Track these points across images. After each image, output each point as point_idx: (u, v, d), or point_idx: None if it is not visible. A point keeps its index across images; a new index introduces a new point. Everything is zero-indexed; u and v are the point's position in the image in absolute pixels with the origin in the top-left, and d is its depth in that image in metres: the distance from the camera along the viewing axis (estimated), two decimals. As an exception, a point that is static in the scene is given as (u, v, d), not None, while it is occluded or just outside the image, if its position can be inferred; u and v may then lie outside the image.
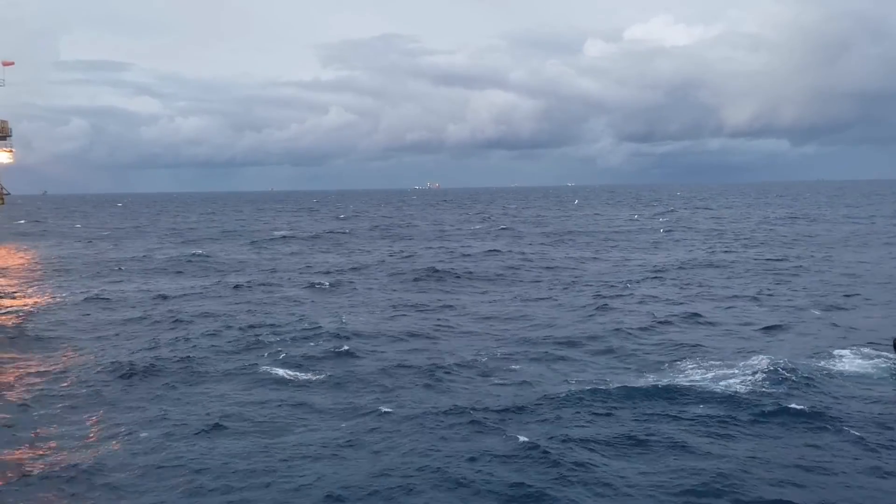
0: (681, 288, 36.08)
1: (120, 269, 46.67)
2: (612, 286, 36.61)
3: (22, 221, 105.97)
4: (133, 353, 23.05)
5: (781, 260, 46.19)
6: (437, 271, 42.34)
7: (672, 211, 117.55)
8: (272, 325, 26.99)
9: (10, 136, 66.62)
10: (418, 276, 40.71)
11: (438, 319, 28.68)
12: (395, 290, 36.51)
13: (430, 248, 59.63)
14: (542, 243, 62.75)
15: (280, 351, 22.98)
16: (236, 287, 37.29)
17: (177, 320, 28.33)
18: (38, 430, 16.32)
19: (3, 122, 65.87)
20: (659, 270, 42.35)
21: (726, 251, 52.10)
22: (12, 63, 66.69)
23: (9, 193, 69.57)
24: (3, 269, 47.83)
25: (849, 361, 21.05)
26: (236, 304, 32.43)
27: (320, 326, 26.46)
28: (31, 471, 14.13)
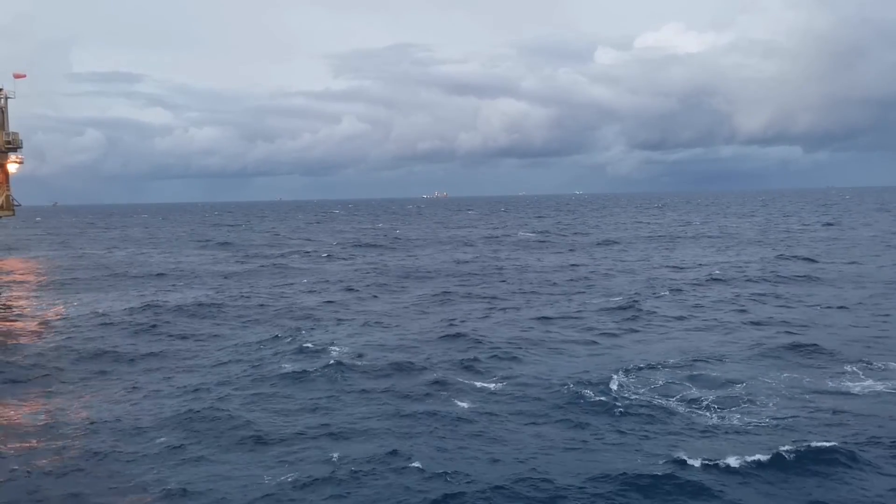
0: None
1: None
2: None
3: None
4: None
5: None
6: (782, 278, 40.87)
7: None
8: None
9: (20, 147, 67.27)
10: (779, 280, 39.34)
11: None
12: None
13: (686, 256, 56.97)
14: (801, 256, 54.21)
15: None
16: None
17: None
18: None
19: (14, 133, 66.45)
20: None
21: None
22: (24, 76, 67.30)
23: (19, 205, 70.06)
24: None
25: None
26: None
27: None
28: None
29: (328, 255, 63.49)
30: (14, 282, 46.79)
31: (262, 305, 34.71)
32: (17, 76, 66.52)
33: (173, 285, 43.45)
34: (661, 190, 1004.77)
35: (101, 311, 33.37)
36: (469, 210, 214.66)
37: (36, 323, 30.91)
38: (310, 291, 40.13)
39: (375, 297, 37.87)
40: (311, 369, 21.63)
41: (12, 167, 67.08)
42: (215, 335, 27.83)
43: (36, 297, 39.41)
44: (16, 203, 68.75)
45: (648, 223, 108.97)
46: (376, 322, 30.09)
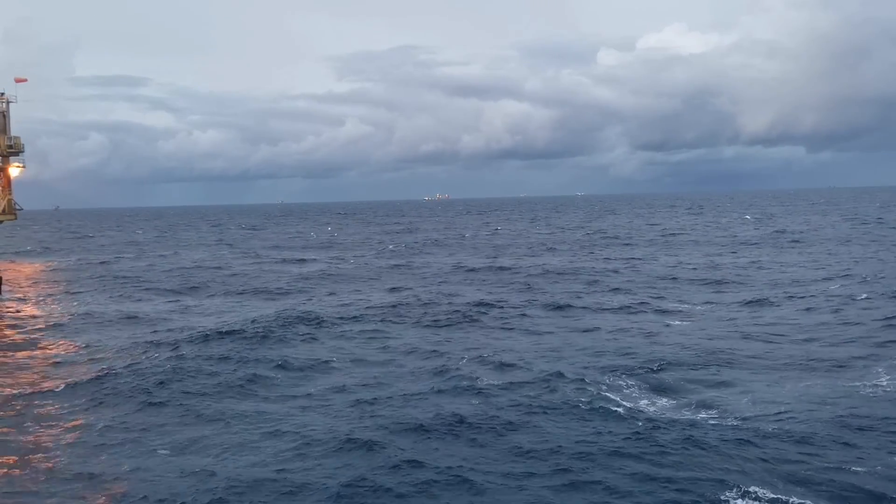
0: None
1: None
2: None
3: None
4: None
5: None
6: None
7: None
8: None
9: (22, 151, 67.10)
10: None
11: None
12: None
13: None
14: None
15: None
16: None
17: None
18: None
19: (16, 137, 66.28)
20: None
21: None
22: (25, 80, 67.17)
23: (21, 209, 69.98)
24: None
25: None
26: None
27: None
28: None
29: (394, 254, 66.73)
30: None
31: (396, 305, 37.75)
32: (17, 80, 66.37)
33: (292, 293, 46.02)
34: (663, 191, 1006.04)
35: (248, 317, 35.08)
36: (494, 211, 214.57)
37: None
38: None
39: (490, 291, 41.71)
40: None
41: (14, 171, 66.96)
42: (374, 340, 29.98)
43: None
44: (18, 207, 68.66)
45: (694, 225, 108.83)
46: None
